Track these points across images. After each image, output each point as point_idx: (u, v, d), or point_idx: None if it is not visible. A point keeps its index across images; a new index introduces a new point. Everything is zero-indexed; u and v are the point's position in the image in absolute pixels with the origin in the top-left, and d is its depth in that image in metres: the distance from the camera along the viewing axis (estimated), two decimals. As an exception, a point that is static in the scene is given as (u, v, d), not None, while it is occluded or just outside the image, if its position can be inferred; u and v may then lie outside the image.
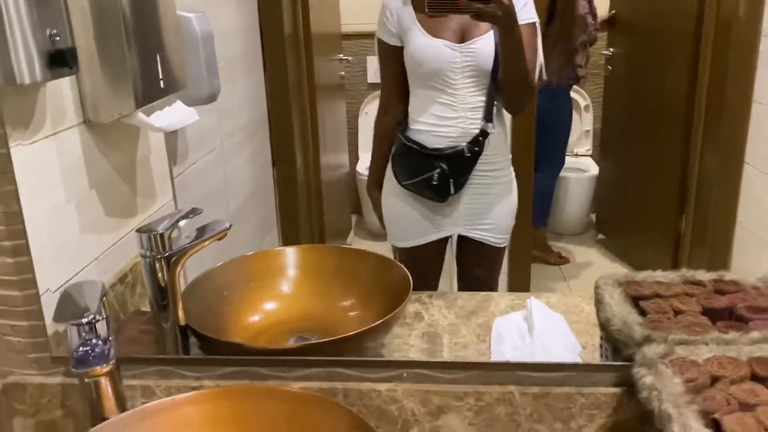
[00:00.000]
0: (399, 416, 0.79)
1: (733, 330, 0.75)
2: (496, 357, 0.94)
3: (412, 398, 0.78)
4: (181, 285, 0.87)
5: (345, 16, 2.84)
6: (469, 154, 1.43)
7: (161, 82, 0.99)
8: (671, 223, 2.35)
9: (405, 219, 1.53)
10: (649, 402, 0.65)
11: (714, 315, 0.80)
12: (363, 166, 3.01)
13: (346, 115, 3.04)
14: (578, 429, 0.77)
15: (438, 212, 1.50)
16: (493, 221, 1.52)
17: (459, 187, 1.45)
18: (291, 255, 1.05)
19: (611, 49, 2.84)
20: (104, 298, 0.68)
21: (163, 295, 0.83)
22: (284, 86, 2.12)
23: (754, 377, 0.68)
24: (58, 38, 0.78)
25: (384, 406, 0.78)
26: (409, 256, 1.54)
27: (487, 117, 1.42)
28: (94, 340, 0.65)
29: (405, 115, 1.48)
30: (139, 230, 0.81)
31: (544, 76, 1.45)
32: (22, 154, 0.78)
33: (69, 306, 0.64)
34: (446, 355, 0.97)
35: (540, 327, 0.99)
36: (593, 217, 3.15)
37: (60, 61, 0.78)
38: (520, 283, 2.09)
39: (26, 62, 0.74)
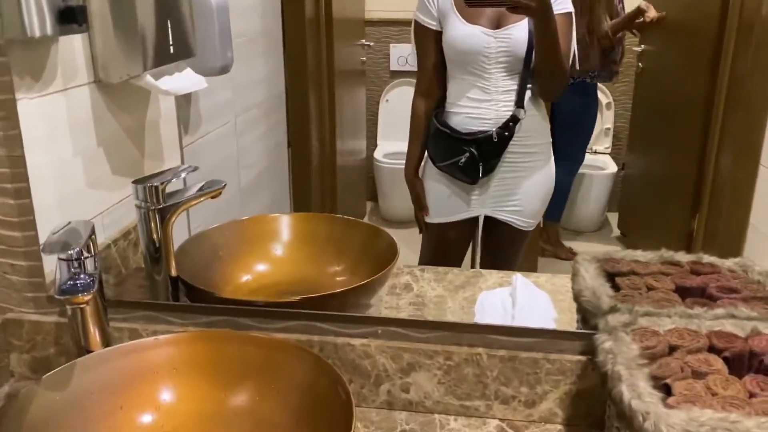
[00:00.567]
0: (371, 371, 0.82)
1: (699, 306, 0.77)
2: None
3: (385, 354, 0.81)
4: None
5: (370, 2, 2.87)
6: (497, 139, 1.47)
7: (171, 47, 1.03)
8: (684, 223, 2.34)
9: (437, 197, 1.59)
10: (604, 364, 0.67)
11: (685, 293, 0.81)
12: (381, 153, 3.04)
13: (367, 101, 3.07)
14: (543, 394, 0.80)
15: (469, 192, 1.55)
16: (521, 204, 1.55)
17: (489, 170, 1.50)
18: (285, 221, 1.09)
19: (642, 46, 2.83)
20: (92, 237, 0.72)
21: (155, 246, 0.88)
22: (303, 68, 2.16)
23: (712, 349, 0.69)
24: (69, -5, 0.82)
25: (358, 361, 0.82)
26: (437, 231, 1.59)
27: (519, 102, 1.46)
28: (81, 275, 0.69)
29: (442, 99, 1.53)
30: (135, 181, 0.85)
31: (577, 66, 1.47)
32: (32, 104, 0.82)
33: (60, 241, 0.69)
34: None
35: (522, 301, 1.01)
36: (608, 215, 3.13)
37: (70, 17, 0.83)
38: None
39: (37, 16, 0.79)
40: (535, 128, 1.52)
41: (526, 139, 1.50)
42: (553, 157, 1.58)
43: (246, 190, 1.75)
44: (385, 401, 0.83)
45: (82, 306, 0.71)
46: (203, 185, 0.91)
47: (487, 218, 1.58)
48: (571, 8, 1.43)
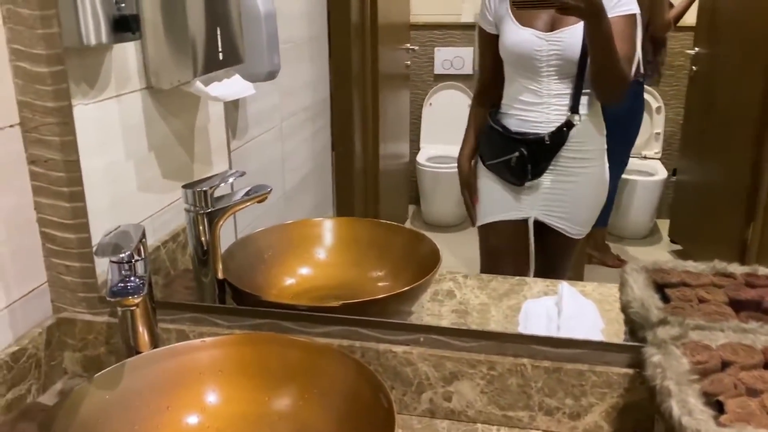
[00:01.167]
0: (413, 378, 0.82)
1: (754, 321, 0.74)
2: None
3: (427, 362, 0.81)
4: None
5: (415, 6, 2.87)
6: (548, 143, 1.45)
7: (220, 54, 1.05)
8: (739, 232, 2.26)
9: (485, 195, 1.59)
10: (653, 379, 0.66)
11: (739, 306, 0.79)
12: (424, 157, 3.03)
13: (410, 105, 3.07)
14: (589, 406, 0.78)
15: (518, 193, 1.53)
16: (571, 211, 1.53)
17: (537, 173, 1.48)
18: (328, 225, 1.10)
19: (696, 49, 2.75)
20: (143, 240, 0.74)
21: (203, 249, 0.90)
22: (348, 73, 2.17)
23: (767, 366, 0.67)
24: (123, 4, 0.85)
25: (399, 368, 0.82)
26: (486, 232, 1.59)
27: (574, 108, 1.43)
28: (131, 278, 0.71)
29: (499, 100, 1.53)
30: (184, 186, 0.87)
31: (641, 69, 1.44)
32: (87, 110, 0.85)
33: (112, 244, 0.71)
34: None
35: (568, 311, 0.99)
36: (658, 222, 3.06)
37: (124, 26, 0.86)
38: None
39: (93, 25, 0.82)
40: (591, 134, 1.48)
41: (580, 145, 1.47)
42: (607, 164, 1.53)
43: (290, 194, 1.77)
44: (427, 409, 0.83)
45: (132, 308, 0.73)
46: (250, 190, 0.93)
47: (538, 224, 1.55)
48: (635, 9, 1.37)
